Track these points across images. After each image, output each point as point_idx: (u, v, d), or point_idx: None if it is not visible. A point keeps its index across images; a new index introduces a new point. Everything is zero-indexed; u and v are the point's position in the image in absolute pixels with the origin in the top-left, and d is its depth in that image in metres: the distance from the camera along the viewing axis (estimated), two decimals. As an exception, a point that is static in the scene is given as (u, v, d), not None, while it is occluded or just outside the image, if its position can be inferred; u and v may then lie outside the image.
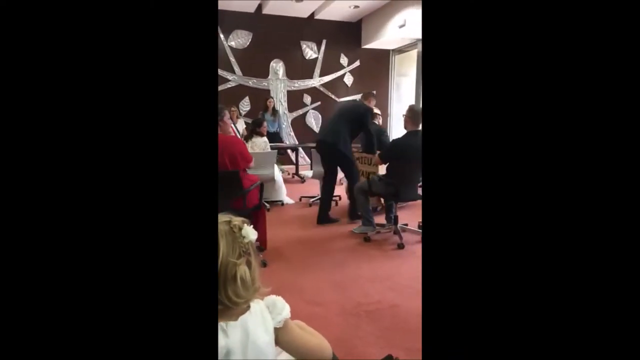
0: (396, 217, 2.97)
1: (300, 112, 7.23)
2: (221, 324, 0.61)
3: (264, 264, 2.40)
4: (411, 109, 2.84)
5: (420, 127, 2.77)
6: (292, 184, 5.24)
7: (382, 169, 3.09)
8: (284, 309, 0.68)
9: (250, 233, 0.64)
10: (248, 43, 6.71)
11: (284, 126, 6.68)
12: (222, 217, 0.64)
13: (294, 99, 7.15)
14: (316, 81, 7.20)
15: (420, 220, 3.29)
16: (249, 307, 0.64)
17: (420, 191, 2.89)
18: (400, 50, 7.36)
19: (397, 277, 2.28)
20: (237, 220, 0.65)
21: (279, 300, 0.69)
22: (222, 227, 0.62)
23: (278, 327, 0.67)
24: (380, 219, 3.27)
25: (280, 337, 0.67)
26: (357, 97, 7.45)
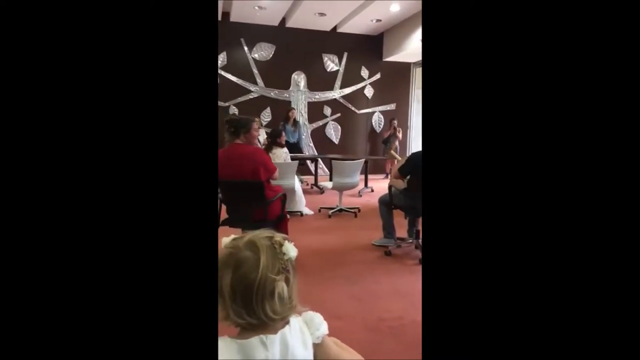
0: (418, 232, 2.93)
1: (320, 123, 7.28)
2: (261, 337, 0.60)
3: (284, 275, 2.40)
4: None
5: None
6: (311, 195, 5.25)
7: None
8: (322, 325, 0.68)
9: (290, 250, 0.64)
10: (271, 55, 6.84)
11: (303, 137, 6.73)
12: (264, 233, 0.65)
13: (314, 110, 7.21)
14: (337, 93, 7.25)
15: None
16: (288, 322, 0.64)
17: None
18: (421, 64, 7.34)
19: (418, 292, 2.23)
20: (278, 236, 0.65)
21: (316, 317, 0.69)
22: (263, 242, 0.62)
23: (316, 342, 0.66)
24: (402, 232, 3.22)
25: (318, 354, 0.66)
26: (377, 109, 7.48)
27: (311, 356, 0.65)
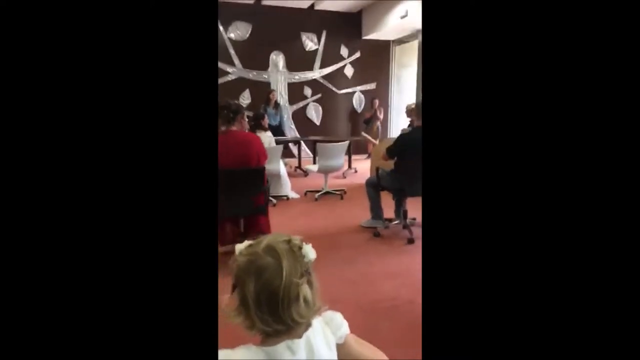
0: (405, 212, 2.97)
1: (301, 104, 7.17)
2: (287, 342, 0.60)
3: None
4: (418, 105, 2.81)
5: None
6: (295, 178, 5.22)
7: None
8: (343, 325, 0.67)
9: (309, 252, 0.62)
10: (248, 35, 6.61)
11: (285, 119, 6.63)
12: (281, 237, 0.63)
13: (295, 92, 7.08)
14: (316, 73, 7.13)
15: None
16: (310, 324, 0.63)
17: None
18: (401, 41, 7.29)
19: (409, 273, 2.28)
20: (296, 239, 0.63)
21: (337, 316, 0.68)
22: (282, 247, 0.60)
23: (339, 342, 0.66)
24: (389, 213, 3.27)
25: (341, 353, 0.66)
26: (358, 88, 7.42)
27: (335, 356, 0.65)
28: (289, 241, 0.62)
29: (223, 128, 2.38)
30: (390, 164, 2.92)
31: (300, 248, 0.61)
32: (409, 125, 4.43)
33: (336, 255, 2.55)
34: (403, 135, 2.86)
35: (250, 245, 0.62)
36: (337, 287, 2.10)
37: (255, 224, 2.62)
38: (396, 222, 3.04)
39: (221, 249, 2.41)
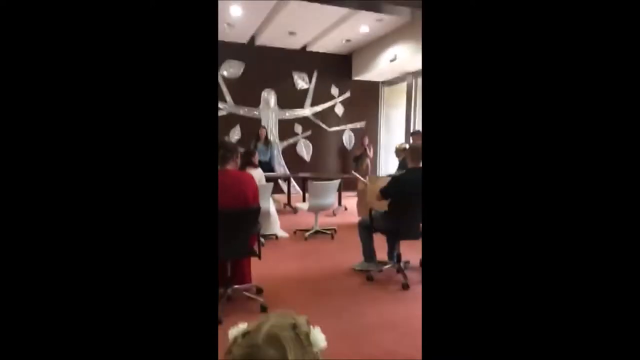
0: (399, 255, 2.88)
1: (291, 140, 7.20)
2: None
3: (264, 309, 2.24)
4: (412, 147, 2.81)
5: (421, 165, 2.73)
6: (284, 215, 5.11)
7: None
8: None
9: (319, 340, 0.53)
10: (240, 73, 6.73)
11: (275, 155, 6.61)
12: (285, 319, 0.53)
13: (285, 128, 7.13)
14: (307, 111, 7.23)
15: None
16: None
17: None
18: (390, 83, 7.52)
19: (407, 323, 2.16)
20: (303, 322, 0.54)
21: None
22: (286, 335, 0.51)
23: None
24: (382, 254, 3.17)
25: None
26: (348, 126, 7.52)
27: None
28: (294, 326, 0.52)
29: (219, 167, 2.32)
30: (383, 205, 2.87)
31: (308, 335, 0.52)
32: (400, 166, 4.44)
33: (329, 304, 2.41)
34: (397, 176, 2.83)
35: (247, 333, 0.52)
36: (330, 340, 1.95)
37: (242, 267, 2.49)
38: (389, 265, 2.93)
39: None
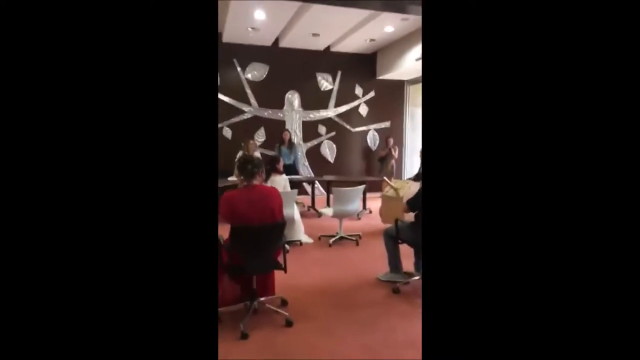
0: (426, 267, 2.81)
1: (315, 142, 7.19)
2: None
3: (289, 324, 2.25)
4: None
5: None
6: (308, 219, 5.11)
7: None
8: None
9: None
10: (264, 75, 6.77)
11: (299, 156, 6.63)
12: None
13: (309, 129, 7.13)
14: (331, 112, 7.19)
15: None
16: None
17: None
18: (415, 81, 7.35)
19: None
20: None
21: None
22: None
23: None
24: (408, 264, 3.11)
25: None
26: (372, 126, 7.43)
27: None
28: None
29: (245, 183, 2.35)
30: (410, 215, 2.80)
31: None
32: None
33: (353, 317, 2.39)
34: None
35: None
36: (354, 355, 1.93)
37: (266, 279, 2.51)
38: (416, 277, 2.87)
39: (227, 308, 2.30)
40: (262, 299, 2.41)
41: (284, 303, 2.52)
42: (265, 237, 2.25)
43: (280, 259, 2.38)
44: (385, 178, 4.72)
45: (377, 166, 7.06)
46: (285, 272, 2.40)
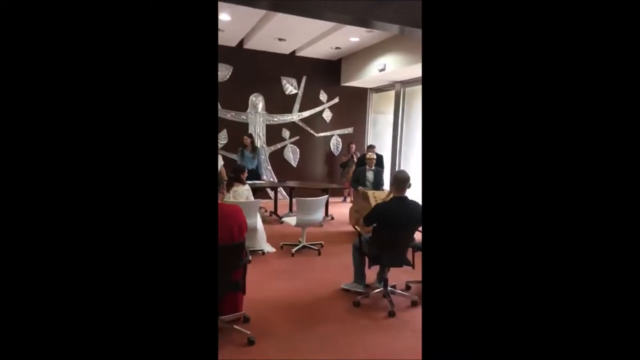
0: (386, 281, 2.92)
1: (278, 145, 7.16)
2: None
3: (251, 343, 2.25)
4: (396, 177, 2.82)
5: (405, 194, 2.76)
6: (271, 225, 5.09)
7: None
8: None
9: None
10: (228, 76, 6.62)
11: (262, 160, 6.56)
12: None
13: (273, 133, 7.08)
14: (295, 116, 7.19)
15: (408, 280, 3.26)
16: None
17: (409, 257, 2.86)
18: (379, 90, 7.53)
19: (395, 357, 2.20)
20: None
21: None
22: None
23: None
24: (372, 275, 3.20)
25: None
26: (335, 132, 7.52)
27: None
28: None
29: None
30: (369, 230, 2.90)
31: None
32: (359, 163, 4.63)
33: (314, 333, 2.43)
34: (381, 206, 2.85)
35: None
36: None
37: (235, 298, 2.47)
38: (378, 290, 2.97)
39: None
40: (226, 317, 2.38)
41: (246, 320, 2.51)
42: (224, 258, 2.22)
43: (241, 280, 2.34)
44: (360, 188, 4.77)
45: (340, 171, 7.17)
46: (244, 293, 2.38)
